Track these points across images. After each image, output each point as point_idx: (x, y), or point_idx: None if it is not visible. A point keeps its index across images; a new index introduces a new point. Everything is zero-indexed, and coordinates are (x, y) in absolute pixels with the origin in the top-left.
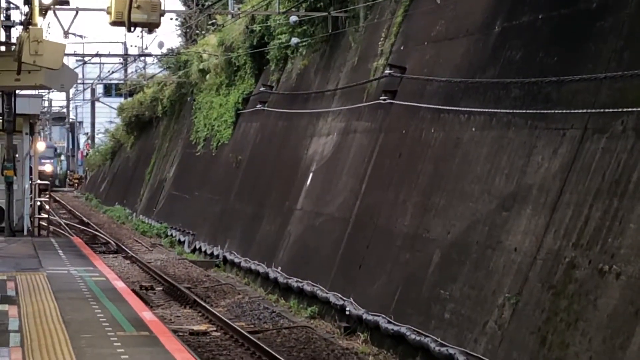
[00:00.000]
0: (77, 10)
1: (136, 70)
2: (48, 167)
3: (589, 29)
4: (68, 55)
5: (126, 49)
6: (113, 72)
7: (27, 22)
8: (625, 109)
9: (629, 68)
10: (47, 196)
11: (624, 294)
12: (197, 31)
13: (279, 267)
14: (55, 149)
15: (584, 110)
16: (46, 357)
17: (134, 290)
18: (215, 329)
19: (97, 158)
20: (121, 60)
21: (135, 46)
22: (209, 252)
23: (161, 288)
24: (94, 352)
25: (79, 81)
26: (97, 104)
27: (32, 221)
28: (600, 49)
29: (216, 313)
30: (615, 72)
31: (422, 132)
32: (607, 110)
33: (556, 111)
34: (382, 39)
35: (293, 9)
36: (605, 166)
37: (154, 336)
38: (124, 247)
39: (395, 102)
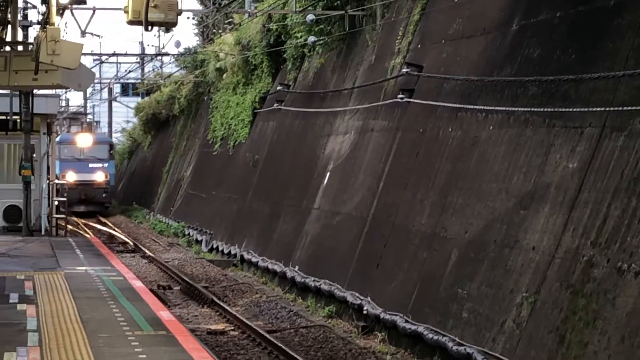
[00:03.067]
0: (94, 9)
1: (153, 70)
2: (99, 175)
3: (607, 27)
4: (85, 54)
5: (143, 48)
6: (130, 72)
7: (45, 22)
8: None
9: None
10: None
11: None
12: (214, 30)
13: (297, 266)
14: (112, 145)
15: (602, 109)
16: (64, 356)
17: (151, 290)
18: (232, 328)
19: (115, 158)
20: (138, 59)
21: (152, 45)
22: (226, 251)
23: (179, 287)
24: (112, 352)
25: (96, 80)
26: (114, 104)
27: (50, 221)
28: (618, 47)
29: (234, 312)
30: (633, 69)
31: (440, 131)
32: (625, 108)
33: (574, 109)
34: (399, 37)
35: (310, 8)
36: (624, 164)
37: (172, 336)
38: (141, 246)
39: (413, 100)
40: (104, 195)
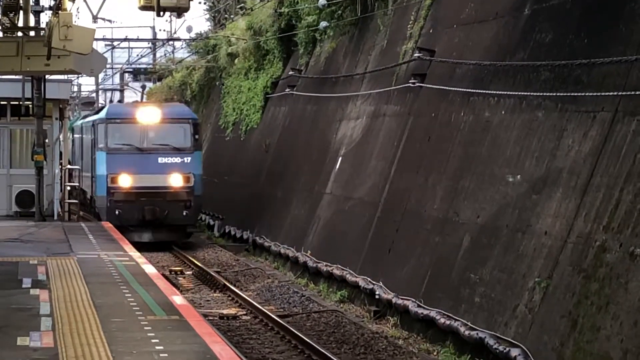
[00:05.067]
0: None
1: (165, 55)
2: (177, 179)
3: (620, 11)
4: (97, 40)
5: (155, 34)
6: (142, 57)
7: (57, 7)
8: None
9: None
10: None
11: None
12: (226, 15)
13: (309, 251)
14: (196, 125)
15: (615, 93)
16: (77, 341)
17: (163, 275)
18: (244, 312)
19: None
20: (150, 44)
21: (164, 30)
22: (238, 236)
23: (191, 272)
24: (125, 336)
25: (107, 66)
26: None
27: (62, 206)
28: (631, 31)
29: (246, 297)
30: None
31: (452, 116)
32: (638, 92)
33: (586, 94)
34: (411, 22)
35: None
36: (637, 149)
37: (184, 320)
38: None
39: (425, 85)
40: (184, 212)
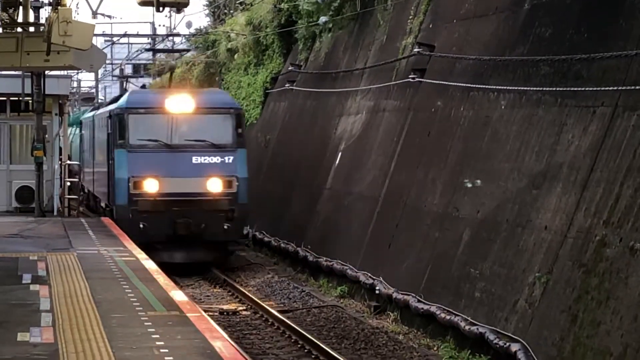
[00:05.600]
0: None
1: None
2: (215, 183)
3: (620, 6)
4: (97, 35)
5: (154, 29)
6: (141, 53)
7: (56, 3)
8: None
9: None
10: None
11: None
12: (225, 11)
13: (309, 246)
14: (239, 116)
15: (615, 88)
16: (77, 336)
17: (164, 270)
18: (245, 308)
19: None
20: (149, 40)
21: (164, 26)
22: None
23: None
24: (125, 332)
25: (107, 61)
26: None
27: (62, 201)
28: (631, 26)
29: (246, 292)
30: None
31: (452, 111)
32: (638, 87)
33: (586, 89)
34: (410, 17)
35: None
36: (637, 144)
37: (185, 316)
38: None
39: (424, 80)
40: (226, 226)
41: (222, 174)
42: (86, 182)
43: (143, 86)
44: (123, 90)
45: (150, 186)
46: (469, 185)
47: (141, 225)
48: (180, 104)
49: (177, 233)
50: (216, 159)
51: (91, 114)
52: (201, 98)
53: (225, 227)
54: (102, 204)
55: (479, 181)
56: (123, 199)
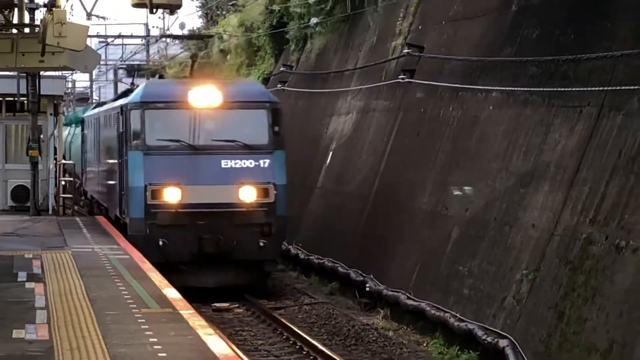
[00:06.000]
0: None
1: (158, 52)
2: (249, 192)
3: (606, 8)
4: (91, 36)
5: (148, 31)
6: (135, 54)
7: (51, 4)
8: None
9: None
10: None
11: None
12: (218, 12)
13: (300, 244)
14: (276, 111)
15: (601, 88)
16: (72, 333)
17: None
18: (237, 305)
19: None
20: (143, 41)
21: (157, 27)
22: None
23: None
24: (119, 329)
25: (101, 62)
26: (119, 85)
27: (57, 200)
28: (616, 27)
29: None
30: (632, 50)
31: (441, 111)
32: (623, 87)
33: (573, 89)
34: (400, 18)
35: None
36: (622, 143)
37: (178, 313)
38: None
39: (414, 81)
40: (261, 242)
41: (257, 180)
42: (89, 187)
43: (160, 76)
44: (131, 87)
45: (172, 195)
46: (457, 192)
47: (160, 243)
48: (206, 97)
49: (204, 251)
50: (249, 163)
51: (95, 110)
52: (230, 90)
53: (261, 244)
54: (111, 215)
55: (467, 188)
56: (138, 211)
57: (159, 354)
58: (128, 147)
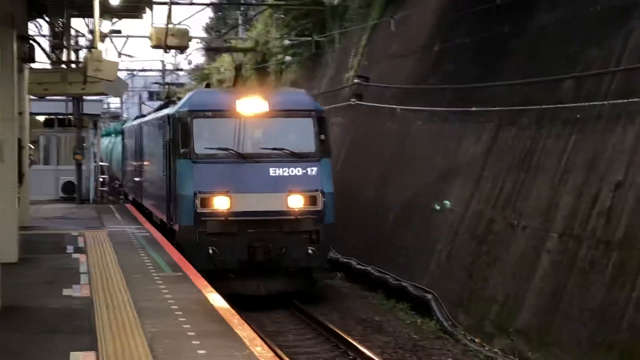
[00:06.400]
0: (127, 37)
1: (172, 81)
2: (296, 199)
3: (503, 48)
4: (120, 70)
5: (164, 65)
6: (154, 83)
7: (91, 46)
8: (529, 107)
9: (532, 77)
10: None
11: (528, 242)
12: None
13: None
14: (321, 119)
15: (499, 109)
16: (107, 291)
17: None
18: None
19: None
20: (160, 73)
21: (171, 63)
22: None
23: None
24: (143, 288)
25: (129, 89)
26: (143, 107)
27: (96, 192)
28: (511, 63)
29: None
30: (522, 79)
31: (382, 125)
32: (515, 108)
33: (479, 109)
34: (352, 56)
35: (286, 35)
36: (515, 149)
37: (187, 276)
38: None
39: (362, 103)
40: (309, 250)
41: (305, 188)
42: (129, 188)
43: (207, 85)
44: (163, 104)
45: (221, 204)
46: (438, 207)
47: (210, 251)
48: (253, 105)
49: (254, 259)
50: (297, 171)
51: (136, 122)
52: (277, 99)
53: (309, 251)
54: (155, 219)
55: (447, 202)
56: (188, 219)
57: (172, 306)
58: (176, 155)
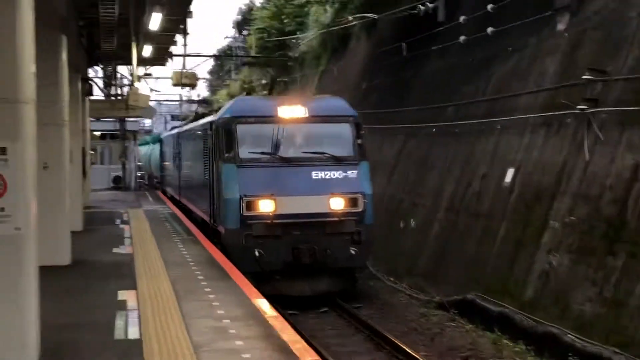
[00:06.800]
0: (156, 78)
1: (187, 108)
2: (338, 202)
3: (408, 85)
4: (151, 100)
5: (181, 96)
6: (175, 109)
7: (131, 84)
8: (425, 125)
9: (427, 104)
10: None
11: (425, 214)
12: (216, 87)
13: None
14: (358, 125)
15: (406, 125)
16: (143, 249)
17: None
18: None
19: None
20: (179, 103)
21: (185, 95)
22: None
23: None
24: (166, 246)
25: (156, 113)
26: (168, 126)
27: (135, 183)
28: (414, 95)
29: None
30: (420, 106)
31: None
32: (415, 125)
33: (394, 126)
34: (308, 92)
35: (262, 77)
36: (416, 153)
37: (197, 239)
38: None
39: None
40: (352, 250)
41: (347, 190)
42: (167, 187)
43: (247, 93)
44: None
45: (266, 207)
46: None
47: (257, 253)
48: (294, 111)
49: (298, 260)
50: (338, 174)
51: (173, 131)
52: (315, 105)
53: (352, 251)
54: (197, 217)
55: (412, 222)
56: (234, 222)
57: (187, 258)
58: (220, 159)
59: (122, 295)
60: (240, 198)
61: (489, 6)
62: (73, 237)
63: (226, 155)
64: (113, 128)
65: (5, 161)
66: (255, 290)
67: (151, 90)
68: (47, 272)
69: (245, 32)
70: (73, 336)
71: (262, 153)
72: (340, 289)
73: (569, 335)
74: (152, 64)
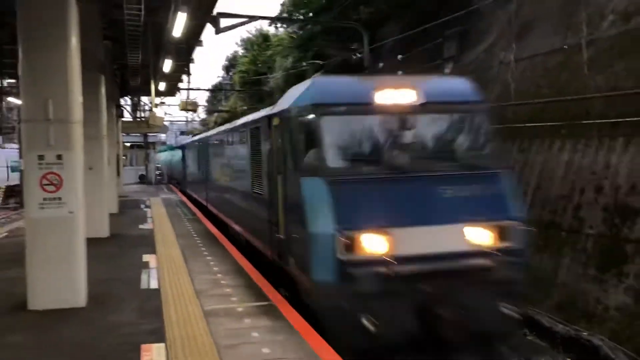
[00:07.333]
0: (169, 105)
1: (192, 127)
2: (480, 234)
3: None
4: (165, 121)
5: (187, 118)
6: (183, 127)
7: (150, 109)
8: None
9: None
10: None
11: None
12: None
13: None
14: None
15: None
16: (161, 226)
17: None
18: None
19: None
20: (185, 122)
21: (190, 117)
22: None
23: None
24: (178, 224)
25: (169, 130)
26: (178, 139)
27: (155, 179)
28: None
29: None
30: None
31: None
32: None
33: None
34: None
35: (244, 105)
36: None
37: (200, 220)
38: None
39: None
40: (504, 309)
41: (493, 216)
42: (190, 190)
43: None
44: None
45: (379, 246)
46: None
47: (365, 322)
48: (401, 97)
49: (439, 332)
50: (478, 190)
51: (195, 138)
52: (432, 87)
53: (505, 311)
54: (237, 236)
55: None
56: (326, 272)
57: (191, 231)
58: (293, 170)
59: (146, 258)
60: (335, 235)
61: (399, 56)
62: (111, 218)
63: (305, 163)
64: (138, 140)
65: (61, 164)
66: (235, 249)
67: (165, 113)
68: (92, 242)
69: (231, 73)
70: (110, 286)
71: (364, 160)
72: None
73: None
74: (166, 95)
